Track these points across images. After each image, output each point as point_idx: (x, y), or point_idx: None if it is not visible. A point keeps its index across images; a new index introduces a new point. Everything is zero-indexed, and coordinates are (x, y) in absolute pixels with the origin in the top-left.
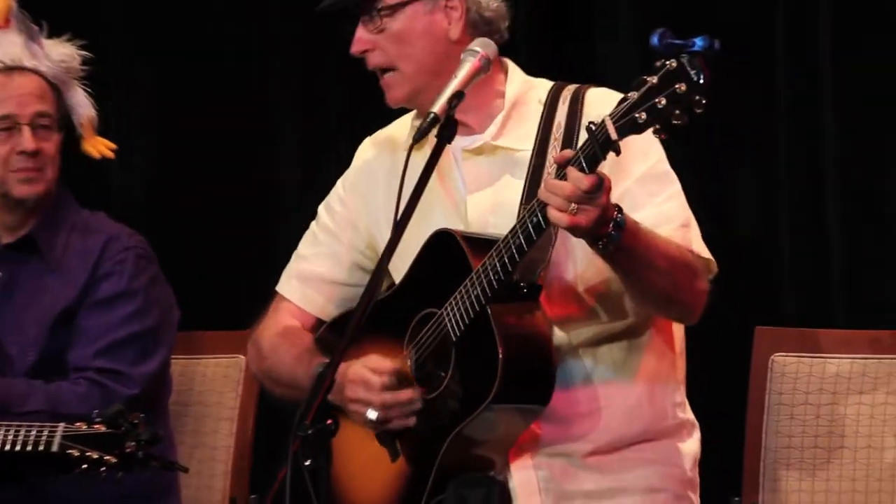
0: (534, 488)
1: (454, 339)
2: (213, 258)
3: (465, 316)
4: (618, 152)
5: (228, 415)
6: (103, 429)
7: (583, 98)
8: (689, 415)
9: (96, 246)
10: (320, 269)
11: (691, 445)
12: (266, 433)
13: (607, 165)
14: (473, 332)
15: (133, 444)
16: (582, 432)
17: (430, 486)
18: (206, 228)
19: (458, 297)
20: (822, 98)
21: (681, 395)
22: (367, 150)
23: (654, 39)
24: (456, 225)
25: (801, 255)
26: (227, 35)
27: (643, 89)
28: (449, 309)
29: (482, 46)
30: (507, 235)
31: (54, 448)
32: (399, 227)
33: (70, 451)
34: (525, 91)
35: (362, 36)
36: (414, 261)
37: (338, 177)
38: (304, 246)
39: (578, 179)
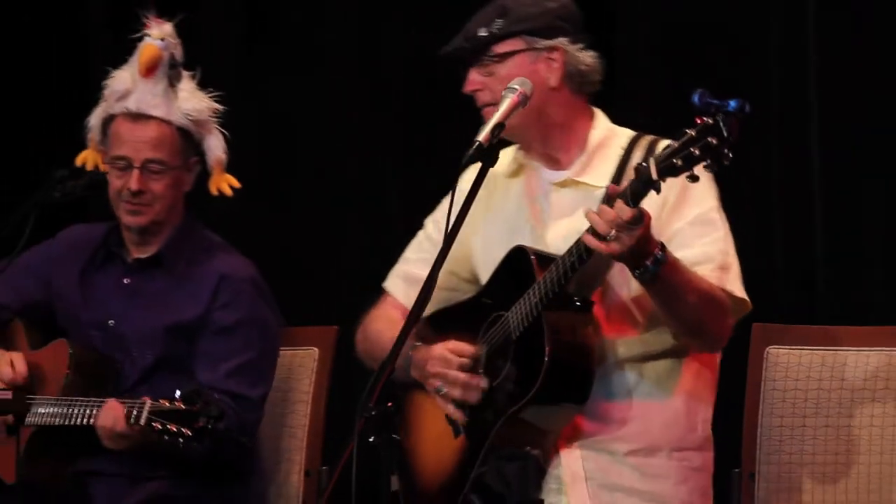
0: (580, 476)
1: (514, 338)
2: (299, 263)
3: (524, 319)
4: (658, 191)
5: (304, 398)
6: (182, 406)
7: (655, 147)
8: (709, 432)
9: (215, 274)
10: (421, 272)
11: (709, 459)
12: (336, 414)
13: (668, 207)
14: (529, 333)
15: (204, 419)
16: (623, 434)
17: (479, 461)
18: (289, 235)
19: (522, 302)
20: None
21: (709, 413)
22: (467, 177)
23: (695, 98)
24: (536, 244)
25: (792, 260)
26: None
27: (683, 139)
28: (513, 312)
29: (520, 84)
30: (564, 254)
31: (142, 421)
32: (449, 238)
33: (154, 423)
34: (608, 136)
35: (475, 78)
36: (494, 270)
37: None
38: (411, 251)
39: (622, 209)
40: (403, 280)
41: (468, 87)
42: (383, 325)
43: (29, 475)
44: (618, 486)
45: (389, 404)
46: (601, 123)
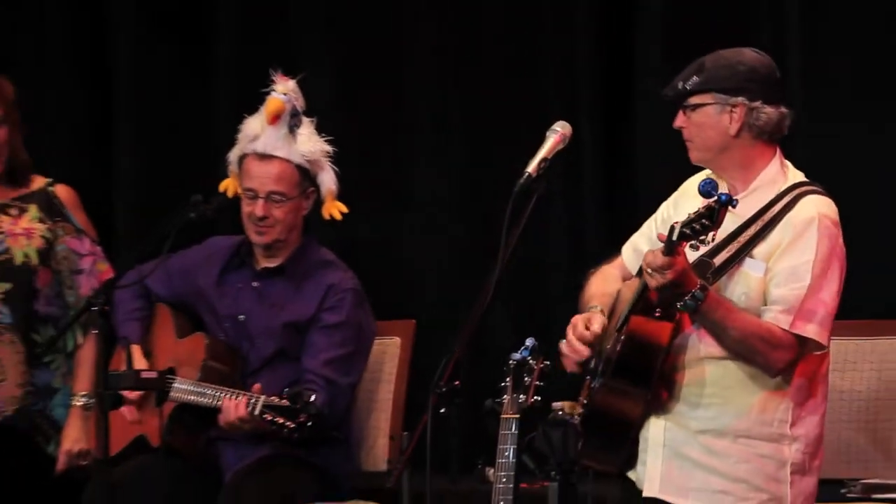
0: (660, 442)
1: (617, 327)
2: (387, 266)
3: (625, 315)
4: (674, 252)
5: (389, 378)
6: (288, 403)
7: (797, 199)
8: (792, 431)
9: (325, 284)
10: (643, 246)
11: (786, 453)
12: (414, 390)
13: (780, 249)
14: (621, 329)
15: (305, 415)
16: (698, 415)
17: (587, 415)
18: (379, 244)
19: (629, 301)
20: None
21: (790, 414)
22: (689, 183)
23: (701, 186)
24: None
25: None
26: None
27: (692, 215)
28: (625, 306)
29: (561, 127)
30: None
31: (256, 412)
32: (502, 251)
33: (265, 415)
34: (774, 180)
35: (680, 118)
36: (639, 268)
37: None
38: (643, 227)
39: (656, 256)
40: (632, 249)
41: (675, 124)
42: (599, 277)
43: (170, 440)
44: (686, 456)
45: (457, 383)
46: (774, 165)
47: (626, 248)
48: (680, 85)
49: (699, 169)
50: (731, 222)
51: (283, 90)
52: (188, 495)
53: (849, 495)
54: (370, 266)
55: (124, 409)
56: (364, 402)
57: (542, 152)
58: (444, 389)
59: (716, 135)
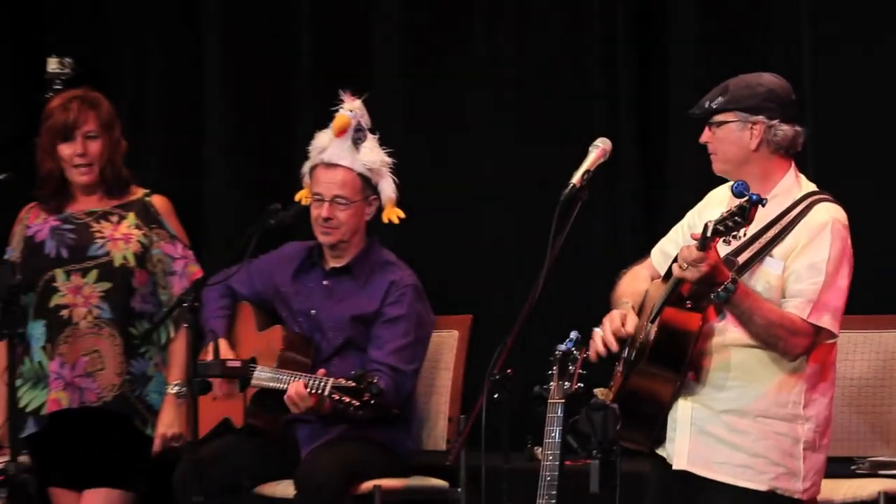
0: (687, 421)
1: (651, 318)
2: (446, 265)
3: (658, 307)
4: (714, 242)
5: (448, 366)
6: (353, 384)
7: (812, 206)
8: (804, 411)
9: (387, 281)
10: (672, 250)
11: (799, 431)
12: (471, 377)
13: (798, 249)
14: (655, 320)
15: (368, 394)
16: (721, 396)
17: (620, 400)
18: (437, 243)
19: (662, 294)
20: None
21: (803, 397)
22: (713, 193)
23: (734, 187)
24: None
25: None
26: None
27: (725, 214)
28: (658, 300)
29: (603, 143)
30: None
31: (326, 392)
32: (550, 255)
33: (333, 395)
34: (789, 189)
35: (706, 134)
36: (670, 265)
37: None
38: (671, 233)
39: (690, 251)
40: (660, 252)
41: (702, 139)
42: (630, 276)
43: (252, 421)
44: (711, 433)
45: (509, 371)
46: (789, 178)
47: (655, 252)
48: (707, 104)
49: (723, 181)
50: (752, 226)
51: (350, 108)
52: (268, 470)
53: (858, 471)
54: (433, 267)
55: (216, 383)
56: (425, 387)
57: (586, 165)
58: (497, 377)
59: (737, 149)
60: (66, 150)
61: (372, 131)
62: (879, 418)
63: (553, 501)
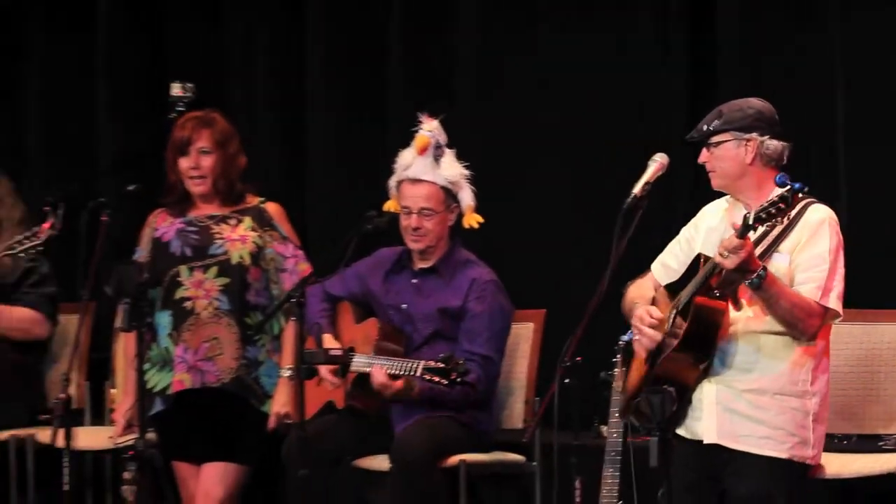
0: (712, 401)
1: (679, 308)
2: (520, 262)
3: (687, 299)
4: (753, 230)
5: (524, 355)
6: (441, 365)
7: (805, 208)
8: (811, 387)
9: (469, 279)
10: (672, 264)
11: (808, 405)
12: (545, 365)
13: (801, 244)
14: (686, 308)
15: (455, 374)
16: (743, 378)
17: (648, 384)
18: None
19: (689, 287)
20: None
21: (810, 375)
22: (708, 207)
23: (777, 178)
24: None
25: None
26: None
27: (768, 202)
28: (684, 292)
29: (661, 157)
30: (710, 261)
31: (418, 373)
32: (614, 257)
33: (425, 375)
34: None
35: (704, 155)
36: (689, 265)
37: None
38: (669, 247)
39: (732, 239)
40: (661, 265)
41: (700, 160)
42: (636, 287)
43: (352, 403)
44: (735, 410)
45: (578, 359)
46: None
47: (656, 265)
48: (704, 128)
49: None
50: (760, 230)
51: (429, 128)
52: (366, 446)
53: (885, 447)
54: (512, 267)
55: (323, 371)
56: (505, 373)
57: (646, 177)
58: (568, 364)
59: (735, 164)
60: (182, 163)
61: (449, 147)
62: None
63: (617, 474)
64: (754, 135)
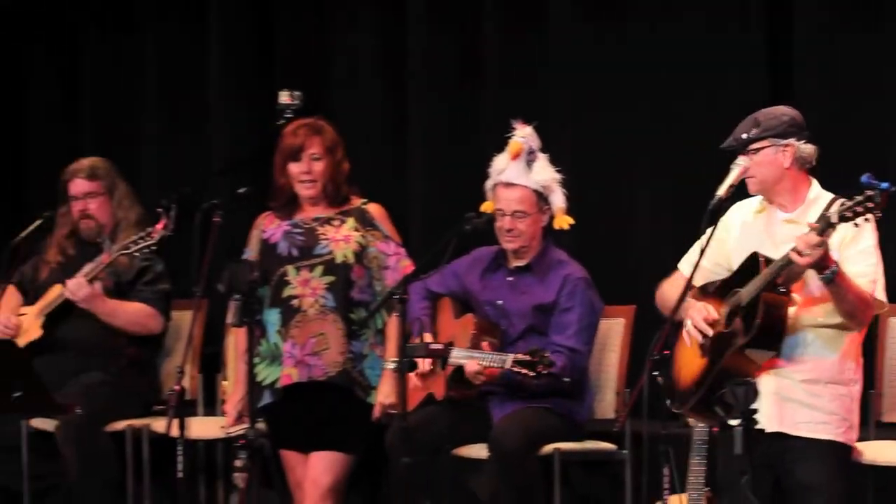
0: (770, 390)
1: (742, 304)
2: (613, 260)
3: (751, 295)
4: (833, 228)
5: (615, 349)
6: (529, 358)
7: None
8: (855, 375)
9: (561, 276)
10: (702, 262)
11: (854, 391)
12: (635, 358)
13: (847, 240)
14: (752, 303)
15: (542, 366)
16: (800, 368)
17: (712, 376)
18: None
19: (751, 285)
20: None
21: (853, 364)
22: (734, 209)
23: (864, 178)
24: (769, 254)
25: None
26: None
27: (854, 201)
28: (745, 289)
29: (744, 162)
30: (778, 260)
31: (508, 366)
32: (702, 250)
33: (514, 367)
34: (818, 196)
35: (744, 160)
36: (740, 265)
37: None
38: (695, 247)
39: (812, 237)
40: (689, 264)
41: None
42: (672, 288)
43: (451, 394)
44: (793, 399)
45: (666, 352)
46: (815, 187)
47: (684, 264)
48: (743, 136)
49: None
50: (799, 230)
51: (522, 134)
52: (464, 435)
53: None
54: (604, 266)
55: (412, 375)
56: (597, 366)
57: (730, 179)
58: (656, 357)
59: (774, 169)
60: (294, 168)
61: (542, 152)
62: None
63: (703, 461)
64: (791, 140)
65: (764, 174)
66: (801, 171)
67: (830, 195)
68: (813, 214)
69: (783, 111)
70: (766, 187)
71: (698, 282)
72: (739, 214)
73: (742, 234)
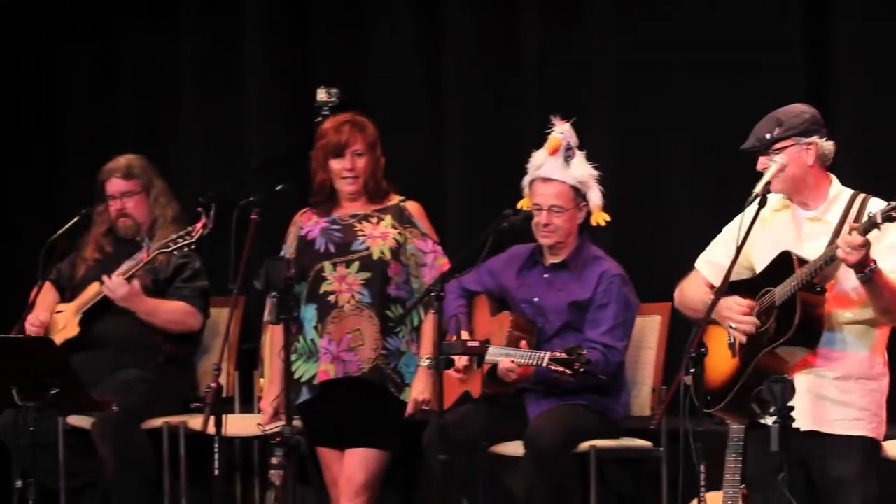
0: (804, 389)
1: (777, 304)
2: (647, 256)
3: (786, 294)
4: (878, 228)
5: (651, 346)
6: (566, 356)
7: (865, 202)
8: (884, 369)
9: (597, 273)
10: (717, 260)
11: (883, 385)
12: (671, 355)
13: (874, 235)
14: (788, 303)
15: (578, 364)
16: (832, 366)
17: (746, 376)
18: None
19: (785, 284)
20: None
21: (882, 360)
22: (751, 208)
23: None
24: (795, 251)
25: None
26: None
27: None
28: (779, 289)
29: (781, 159)
30: (816, 259)
31: (544, 363)
32: (738, 248)
33: (550, 366)
34: (839, 193)
35: (763, 161)
36: (769, 263)
37: None
38: (713, 246)
39: (857, 237)
40: (707, 263)
41: (760, 167)
42: (694, 289)
43: (487, 391)
44: (825, 396)
45: (703, 349)
46: (835, 184)
47: (702, 264)
48: (767, 136)
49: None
50: (823, 228)
51: (560, 130)
52: (501, 433)
53: None
54: (640, 263)
55: (450, 372)
56: (633, 363)
57: (767, 177)
58: (693, 354)
59: (798, 168)
60: (336, 164)
61: (580, 148)
62: None
63: (739, 458)
64: (814, 138)
65: (787, 174)
66: (822, 169)
67: (850, 191)
68: (835, 211)
69: (802, 109)
70: (791, 186)
71: (714, 279)
72: (756, 212)
73: (762, 231)
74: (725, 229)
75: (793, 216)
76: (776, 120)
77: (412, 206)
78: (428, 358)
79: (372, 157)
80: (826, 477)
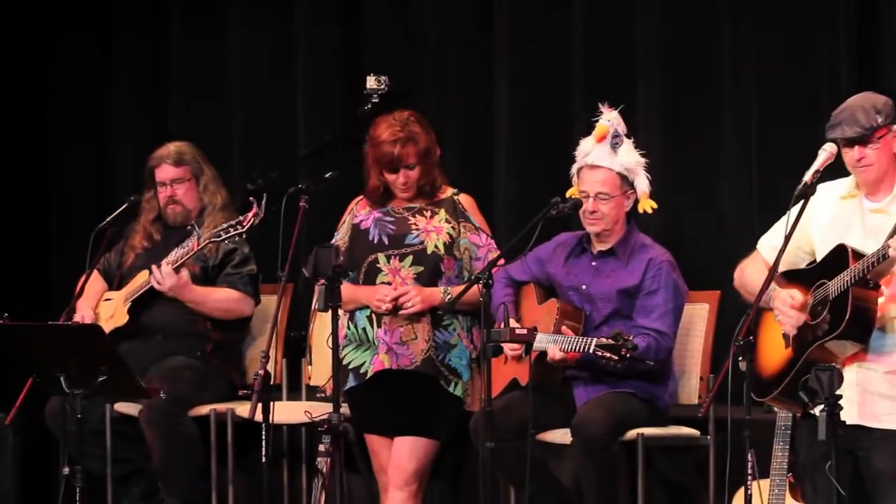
0: (854, 383)
1: (831, 297)
2: (698, 246)
3: (840, 288)
4: None
5: (699, 334)
6: (612, 342)
7: None
8: None
9: (645, 259)
10: (778, 244)
11: None
12: (719, 344)
13: None
14: (841, 296)
15: (625, 349)
16: (883, 360)
17: (797, 367)
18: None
19: (839, 278)
20: None
21: None
22: (821, 190)
23: None
24: (859, 245)
25: None
26: None
27: None
28: (833, 282)
29: (830, 147)
30: (869, 255)
31: (591, 350)
32: (787, 237)
33: (597, 352)
34: None
35: (863, 151)
36: (826, 254)
37: None
38: (774, 229)
39: None
40: (769, 247)
41: (859, 156)
42: (754, 270)
43: (535, 379)
44: (874, 391)
45: (751, 337)
46: None
47: (764, 246)
48: (873, 124)
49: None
50: (886, 221)
51: (608, 118)
52: (549, 420)
53: None
54: (690, 251)
55: (507, 349)
56: (681, 351)
57: (816, 165)
58: (741, 342)
59: (889, 156)
60: (390, 177)
61: (627, 136)
62: None
63: (787, 447)
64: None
65: (882, 163)
66: (893, 159)
67: None
68: None
69: (883, 97)
70: (880, 175)
71: (779, 264)
72: (825, 198)
73: (828, 219)
74: (790, 212)
75: (859, 205)
76: (872, 108)
77: (465, 200)
78: (448, 293)
79: (425, 165)
80: (871, 468)
